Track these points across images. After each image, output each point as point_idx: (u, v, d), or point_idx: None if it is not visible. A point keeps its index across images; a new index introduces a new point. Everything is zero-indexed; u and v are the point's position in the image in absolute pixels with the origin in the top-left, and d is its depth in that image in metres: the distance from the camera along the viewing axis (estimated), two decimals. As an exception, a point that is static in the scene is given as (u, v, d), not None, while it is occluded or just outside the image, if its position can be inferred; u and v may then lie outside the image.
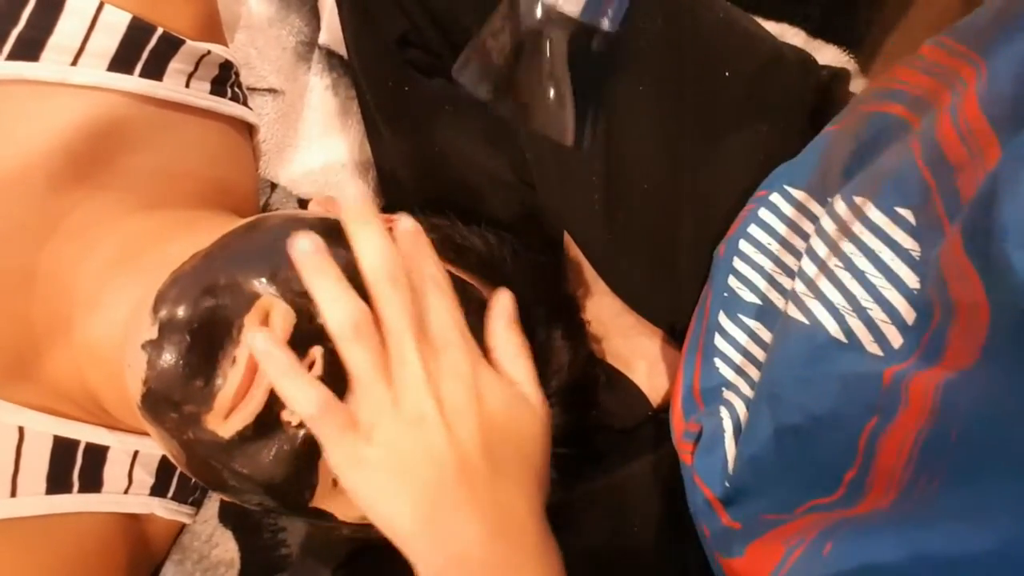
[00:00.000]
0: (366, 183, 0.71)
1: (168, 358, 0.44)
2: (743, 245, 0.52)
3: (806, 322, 0.42)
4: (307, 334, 0.44)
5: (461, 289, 0.46)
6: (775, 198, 0.51)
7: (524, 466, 0.43)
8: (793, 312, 0.44)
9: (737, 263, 0.52)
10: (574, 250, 0.66)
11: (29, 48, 0.51)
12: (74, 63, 0.52)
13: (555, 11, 0.39)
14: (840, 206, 0.43)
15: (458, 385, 0.41)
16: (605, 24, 0.40)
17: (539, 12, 0.39)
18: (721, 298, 0.53)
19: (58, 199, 0.52)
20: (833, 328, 0.41)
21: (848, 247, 0.41)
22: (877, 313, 0.39)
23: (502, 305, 0.46)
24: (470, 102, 0.61)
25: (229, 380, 0.44)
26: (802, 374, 0.41)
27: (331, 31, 0.71)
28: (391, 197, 0.70)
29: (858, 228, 0.41)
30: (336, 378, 0.42)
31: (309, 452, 0.45)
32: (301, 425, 0.45)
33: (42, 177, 0.52)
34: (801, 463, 0.40)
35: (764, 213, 0.52)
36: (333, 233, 0.43)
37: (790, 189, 0.51)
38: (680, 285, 0.59)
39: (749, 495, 0.44)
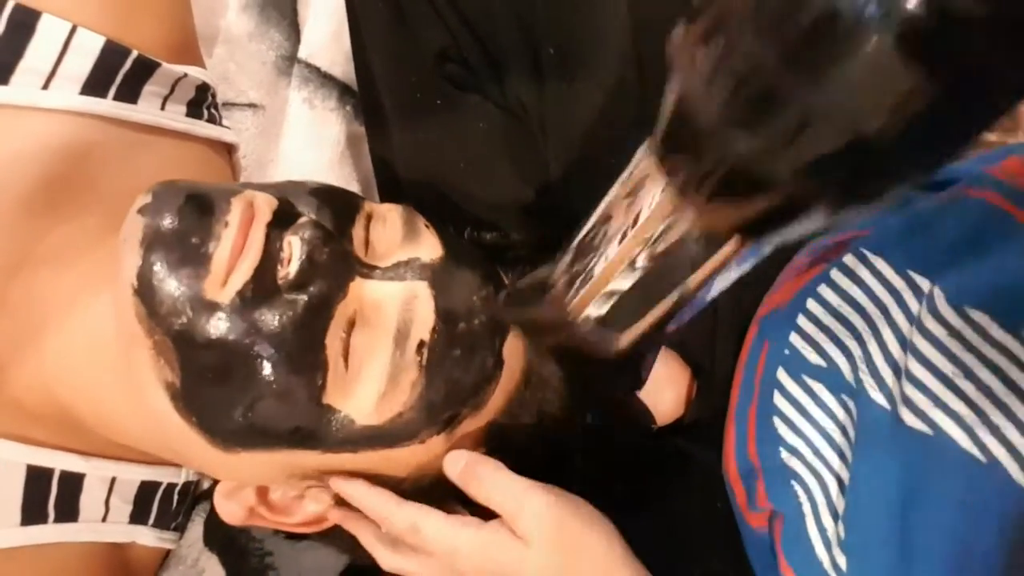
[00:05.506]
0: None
1: (165, 212, 0.45)
2: (811, 304, 0.50)
3: (927, 432, 0.40)
4: (288, 217, 0.47)
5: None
6: (850, 260, 0.49)
7: None
8: (909, 419, 0.41)
9: (802, 321, 0.51)
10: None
11: None
12: (45, 87, 0.51)
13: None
14: (947, 311, 0.41)
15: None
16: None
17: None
18: (781, 355, 0.51)
19: (33, 224, 0.51)
20: (965, 443, 0.39)
21: (968, 358, 0.40)
22: (1014, 435, 0.37)
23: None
24: (504, 123, 0.61)
25: (224, 237, 0.45)
26: (942, 494, 0.39)
27: (311, 44, 0.70)
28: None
29: (976, 341, 0.40)
30: (313, 269, 0.45)
31: (312, 321, 0.45)
32: (297, 289, 0.45)
33: (14, 202, 0.50)
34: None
35: (836, 275, 0.50)
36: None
37: (868, 254, 0.49)
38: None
39: None
